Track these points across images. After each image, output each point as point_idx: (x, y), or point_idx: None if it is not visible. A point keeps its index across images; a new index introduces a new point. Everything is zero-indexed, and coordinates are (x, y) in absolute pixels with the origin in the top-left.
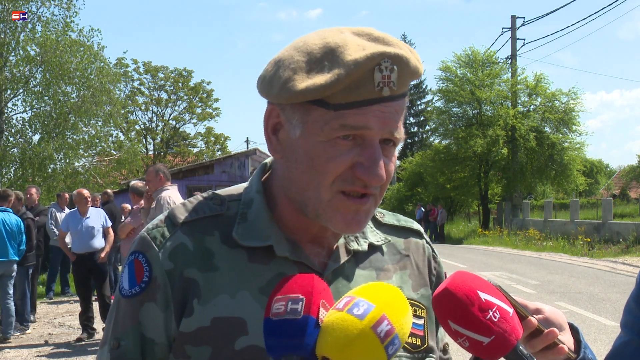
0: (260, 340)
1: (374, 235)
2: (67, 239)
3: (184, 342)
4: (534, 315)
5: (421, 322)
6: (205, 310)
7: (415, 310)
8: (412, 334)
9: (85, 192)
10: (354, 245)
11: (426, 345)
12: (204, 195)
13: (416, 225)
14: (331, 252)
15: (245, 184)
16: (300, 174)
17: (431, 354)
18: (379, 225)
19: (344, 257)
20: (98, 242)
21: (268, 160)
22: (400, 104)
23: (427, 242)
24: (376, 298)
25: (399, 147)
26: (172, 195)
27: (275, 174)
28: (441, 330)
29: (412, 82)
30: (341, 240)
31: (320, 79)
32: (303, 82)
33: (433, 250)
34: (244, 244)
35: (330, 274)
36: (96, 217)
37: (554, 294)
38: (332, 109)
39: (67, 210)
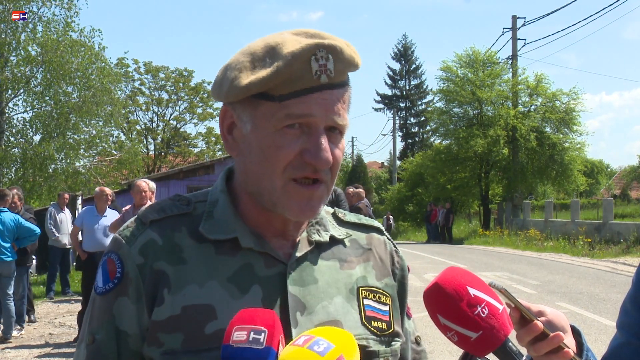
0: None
1: (336, 230)
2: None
3: (157, 330)
4: (539, 319)
5: (386, 308)
6: (176, 300)
7: (379, 298)
8: (378, 319)
9: (108, 190)
10: (316, 237)
11: (392, 329)
12: (171, 198)
13: (376, 224)
14: (295, 244)
15: (210, 188)
16: (254, 166)
17: (397, 338)
18: (342, 223)
19: (306, 248)
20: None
21: (233, 164)
22: (341, 92)
23: (388, 238)
24: (334, 339)
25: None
26: None
27: (236, 173)
28: (411, 323)
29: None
30: (304, 234)
31: (262, 73)
32: (247, 78)
33: (394, 246)
34: (210, 237)
35: (294, 263)
36: (112, 218)
37: (554, 295)
38: (277, 100)
39: (66, 210)
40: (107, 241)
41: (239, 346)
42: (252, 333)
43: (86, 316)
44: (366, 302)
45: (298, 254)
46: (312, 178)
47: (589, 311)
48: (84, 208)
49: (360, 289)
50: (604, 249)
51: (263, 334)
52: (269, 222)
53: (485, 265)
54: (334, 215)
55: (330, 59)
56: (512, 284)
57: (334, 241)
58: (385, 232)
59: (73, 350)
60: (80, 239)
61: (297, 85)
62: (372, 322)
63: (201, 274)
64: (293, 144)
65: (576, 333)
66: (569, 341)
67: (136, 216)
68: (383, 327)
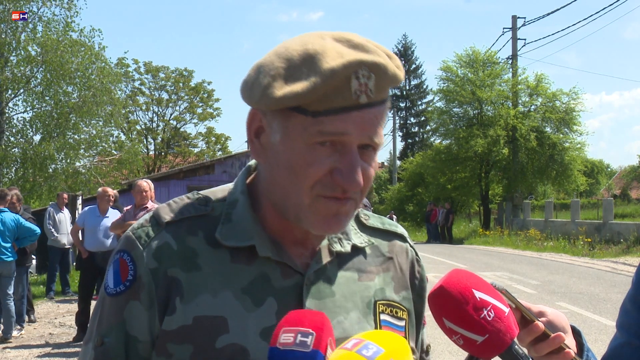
0: (240, 338)
1: (358, 238)
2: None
3: (166, 340)
4: (540, 319)
5: (402, 323)
6: (188, 309)
7: (396, 312)
8: None
9: (110, 191)
10: (337, 247)
11: None
12: (189, 196)
13: (400, 229)
14: (314, 253)
15: (230, 185)
16: (282, 179)
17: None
18: (363, 227)
19: (326, 259)
20: (111, 242)
21: (253, 162)
22: (379, 110)
23: (410, 246)
24: (384, 343)
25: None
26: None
27: (259, 176)
28: (424, 332)
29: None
30: (324, 242)
31: (298, 86)
32: (281, 90)
33: (416, 254)
34: (226, 244)
35: (312, 275)
36: (114, 218)
37: (554, 294)
38: (311, 115)
39: (65, 211)
40: (108, 241)
41: (286, 349)
42: (299, 335)
43: (94, 315)
44: (383, 317)
45: (317, 266)
46: (342, 198)
47: (589, 311)
48: (86, 208)
49: (378, 303)
50: (604, 249)
51: (311, 337)
52: (289, 229)
53: (485, 265)
54: (357, 218)
55: (372, 77)
56: (512, 284)
57: (355, 250)
58: (409, 239)
59: (73, 350)
60: (80, 238)
61: (334, 103)
62: None
63: (215, 282)
64: (324, 162)
65: (576, 333)
66: (570, 342)
67: (151, 215)
68: None
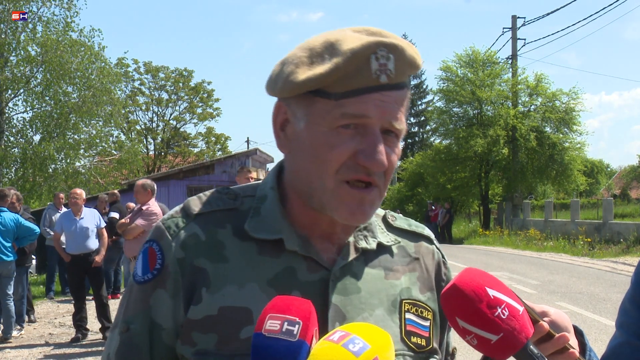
0: None
1: (384, 236)
2: (62, 239)
3: (192, 329)
4: (543, 319)
5: (427, 323)
6: (214, 299)
7: (421, 312)
8: (418, 335)
9: (78, 192)
10: (363, 244)
11: (431, 346)
12: (219, 190)
13: (427, 231)
14: (341, 249)
15: (259, 182)
16: (306, 165)
17: (435, 355)
18: (390, 228)
19: (352, 255)
20: (92, 243)
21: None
22: (400, 95)
23: (437, 248)
24: (371, 339)
25: (400, 146)
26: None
27: (286, 170)
28: (449, 335)
29: (412, 78)
30: (351, 239)
31: (319, 69)
32: (304, 74)
33: (443, 257)
34: (255, 235)
35: (338, 270)
36: (90, 218)
37: (554, 294)
38: (333, 98)
39: (63, 210)
40: (90, 243)
41: (271, 336)
42: (285, 323)
43: (122, 302)
44: (408, 315)
45: (343, 261)
46: (365, 181)
47: (588, 311)
48: (60, 213)
49: (404, 301)
50: (604, 249)
51: (297, 326)
52: (316, 223)
53: (485, 265)
54: (384, 219)
55: (391, 58)
56: (512, 284)
57: (381, 248)
58: (435, 241)
59: (73, 350)
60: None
61: (355, 84)
62: (412, 337)
63: (242, 274)
64: (347, 144)
65: (578, 333)
66: (573, 341)
67: (182, 206)
68: (422, 344)
